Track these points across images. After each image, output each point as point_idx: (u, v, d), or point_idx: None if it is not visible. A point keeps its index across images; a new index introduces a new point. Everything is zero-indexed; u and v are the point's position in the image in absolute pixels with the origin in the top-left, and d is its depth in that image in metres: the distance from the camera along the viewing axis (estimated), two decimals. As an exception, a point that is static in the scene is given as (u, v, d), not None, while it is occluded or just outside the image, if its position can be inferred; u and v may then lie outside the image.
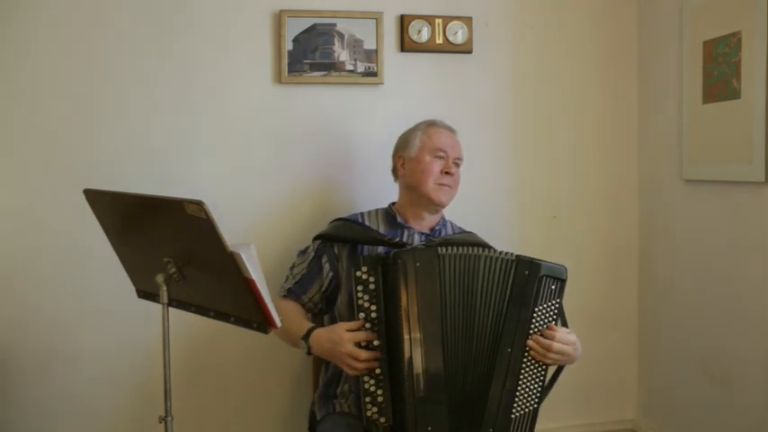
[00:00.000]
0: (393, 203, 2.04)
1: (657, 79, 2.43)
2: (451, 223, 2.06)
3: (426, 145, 1.96)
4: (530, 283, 1.66)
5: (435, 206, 1.95)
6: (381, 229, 1.96)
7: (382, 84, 2.32)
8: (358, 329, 1.65)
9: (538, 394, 1.67)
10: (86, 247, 2.10)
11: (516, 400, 1.65)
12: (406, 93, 2.35)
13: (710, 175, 2.19)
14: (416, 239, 1.94)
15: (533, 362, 1.67)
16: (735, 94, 2.06)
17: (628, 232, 2.56)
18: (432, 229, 1.99)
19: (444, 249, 1.68)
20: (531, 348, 1.66)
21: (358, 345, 1.64)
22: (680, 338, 2.35)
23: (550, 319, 1.68)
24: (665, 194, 2.41)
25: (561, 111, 2.48)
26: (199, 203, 1.30)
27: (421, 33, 2.32)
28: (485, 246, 1.93)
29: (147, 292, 1.62)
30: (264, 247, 2.14)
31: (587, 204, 2.52)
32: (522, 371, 1.65)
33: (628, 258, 2.57)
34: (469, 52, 2.38)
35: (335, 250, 1.93)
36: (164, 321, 1.48)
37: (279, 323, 1.41)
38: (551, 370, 1.72)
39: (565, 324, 1.73)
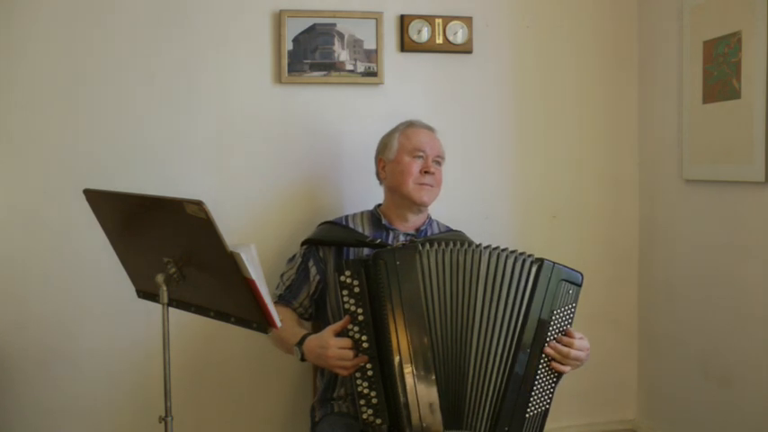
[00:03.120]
0: (379, 205, 2.05)
1: (657, 79, 2.43)
2: (438, 222, 2.07)
3: (405, 146, 1.96)
4: (551, 287, 1.67)
5: (418, 206, 1.95)
6: (366, 232, 1.97)
7: (382, 84, 2.32)
8: (343, 328, 1.65)
9: (551, 394, 1.69)
10: (86, 247, 2.10)
11: (532, 399, 1.66)
12: (406, 93, 2.35)
13: (710, 175, 2.19)
14: (401, 240, 1.95)
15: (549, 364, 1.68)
16: (735, 94, 2.06)
17: (628, 232, 2.56)
18: (417, 230, 1.99)
19: (425, 246, 1.67)
20: (548, 356, 1.67)
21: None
22: (680, 338, 2.35)
23: (566, 324, 1.70)
24: (665, 194, 2.41)
25: (561, 111, 2.48)
26: (199, 203, 1.30)
27: (421, 33, 2.32)
28: (470, 244, 1.94)
29: (147, 292, 1.62)
30: (264, 247, 2.15)
31: (587, 204, 2.52)
32: (539, 372, 1.67)
33: (628, 258, 2.57)
34: (469, 52, 2.38)
35: (321, 254, 1.95)
36: (164, 321, 1.48)
37: (279, 323, 1.41)
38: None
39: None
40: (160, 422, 1.48)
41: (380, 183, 2.06)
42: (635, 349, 2.58)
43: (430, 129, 2.04)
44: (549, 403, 1.69)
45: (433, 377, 1.63)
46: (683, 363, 2.34)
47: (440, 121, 2.37)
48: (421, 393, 1.61)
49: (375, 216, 2.01)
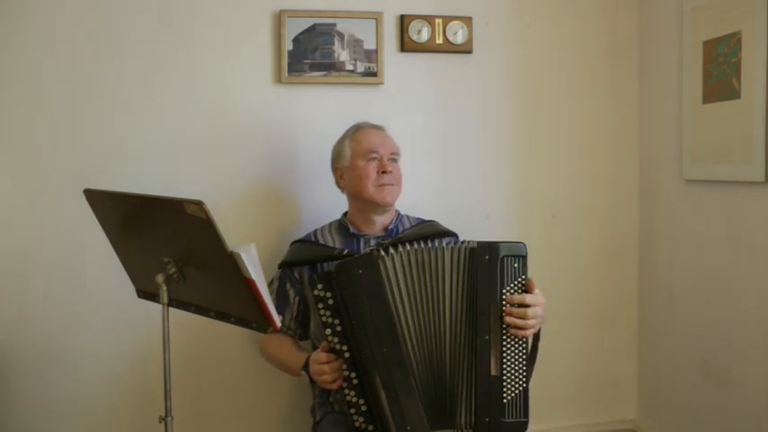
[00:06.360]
0: (346, 213, 2.05)
1: (657, 79, 2.43)
2: (408, 217, 2.07)
3: (357, 150, 1.96)
4: (492, 267, 1.67)
5: (382, 208, 1.95)
6: (337, 243, 1.97)
7: (382, 84, 2.32)
8: (324, 350, 1.67)
9: (524, 375, 1.68)
10: (86, 247, 2.10)
11: (505, 384, 1.66)
12: (406, 93, 2.35)
13: (710, 175, 2.19)
14: (372, 244, 1.94)
15: (513, 342, 1.67)
16: (735, 94, 2.06)
17: (628, 232, 2.56)
18: (386, 229, 1.99)
19: (388, 250, 1.67)
20: (509, 325, 1.66)
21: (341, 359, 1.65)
22: (680, 338, 2.35)
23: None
24: (665, 194, 2.41)
25: (561, 111, 2.48)
26: (199, 203, 1.30)
27: (421, 33, 2.32)
28: (444, 234, 1.97)
29: (147, 292, 1.62)
30: (264, 248, 2.15)
31: (587, 204, 2.52)
32: (504, 354, 1.66)
33: (628, 258, 2.56)
34: (469, 52, 2.38)
35: (297, 275, 1.95)
36: (164, 321, 1.48)
37: (278, 323, 1.41)
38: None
39: None
40: (160, 422, 1.49)
41: (342, 191, 2.06)
42: (635, 349, 2.58)
43: (379, 128, 2.03)
44: (525, 383, 1.68)
45: (412, 380, 1.64)
46: (683, 363, 2.34)
47: (440, 121, 2.39)
48: (403, 398, 1.62)
49: (343, 225, 2.01)
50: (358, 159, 1.95)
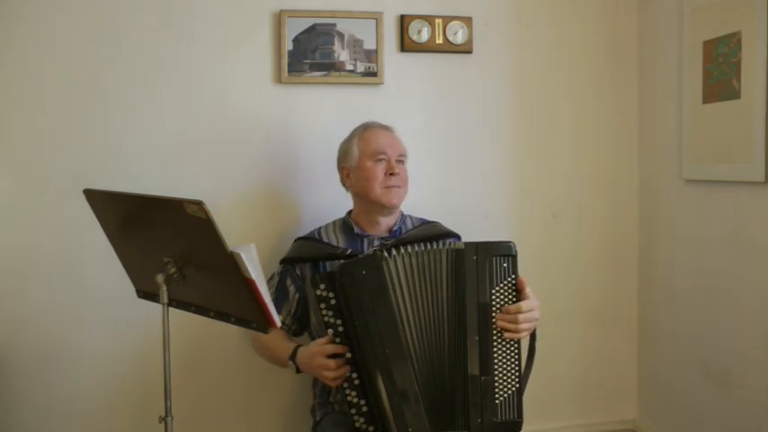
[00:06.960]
0: (350, 212, 2.04)
1: (657, 79, 2.43)
2: (411, 218, 2.06)
3: (365, 151, 1.94)
4: (481, 268, 1.66)
5: (388, 209, 1.94)
6: (340, 242, 1.96)
7: (382, 84, 2.32)
8: (328, 343, 1.65)
9: (517, 375, 1.68)
10: (86, 247, 2.10)
11: (497, 385, 1.66)
12: (406, 93, 2.35)
13: (710, 175, 2.19)
14: (376, 245, 1.93)
15: (503, 343, 1.67)
16: (735, 94, 2.06)
17: (628, 232, 2.56)
18: (390, 230, 1.98)
19: (391, 252, 1.67)
20: (501, 329, 1.65)
21: (333, 356, 1.65)
22: (680, 338, 2.35)
23: (510, 296, 1.68)
24: (665, 194, 2.41)
25: (561, 111, 2.48)
26: (199, 203, 1.30)
27: (421, 33, 2.32)
28: (446, 235, 1.96)
29: (147, 292, 1.62)
30: (264, 248, 2.15)
31: (587, 204, 2.52)
32: (495, 355, 1.66)
33: (628, 258, 2.57)
34: (469, 52, 2.38)
35: (298, 271, 1.94)
36: (164, 321, 1.48)
37: (279, 323, 1.41)
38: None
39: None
40: (160, 422, 1.49)
41: (347, 190, 2.05)
42: (635, 349, 2.58)
43: (387, 128, 2.01)
44: (517, 383, 1.67)
45: (414, 382, 1.63)
46: (683, 362, 2.34)
47: (440, 121, 2.39)
48: (404, 399, 1.62)
49: (347, 225, 2.00)
50: (366, 160, 1.93)
